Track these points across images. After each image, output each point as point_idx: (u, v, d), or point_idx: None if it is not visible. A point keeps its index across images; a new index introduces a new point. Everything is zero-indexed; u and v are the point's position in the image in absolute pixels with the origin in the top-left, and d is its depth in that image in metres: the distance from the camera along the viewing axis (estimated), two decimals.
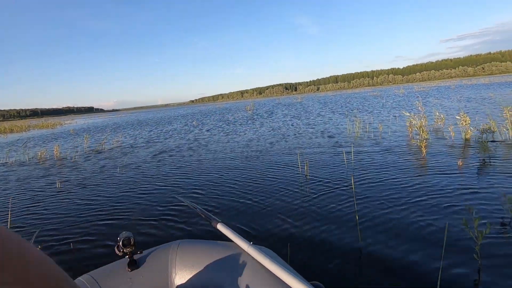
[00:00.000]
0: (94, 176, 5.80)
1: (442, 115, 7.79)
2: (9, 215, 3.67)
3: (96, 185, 5.07)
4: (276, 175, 4.60)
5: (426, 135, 6.04)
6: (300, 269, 1.17)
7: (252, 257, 1.18)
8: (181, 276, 1.25)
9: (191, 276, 1.23)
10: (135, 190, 4.55)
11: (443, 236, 2.17)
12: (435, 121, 7.82)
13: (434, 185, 3.52)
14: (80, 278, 1.15)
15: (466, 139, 5.79)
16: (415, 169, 4.29)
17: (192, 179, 4.90)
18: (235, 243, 1.29)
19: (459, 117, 6.56)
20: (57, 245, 2.86)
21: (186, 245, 1.34)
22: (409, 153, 5.27)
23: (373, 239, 2.42)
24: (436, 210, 2.85)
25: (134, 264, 1.22)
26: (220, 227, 1.38)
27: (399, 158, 4.98)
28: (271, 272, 1.07)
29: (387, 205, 3.06)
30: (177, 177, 5.13)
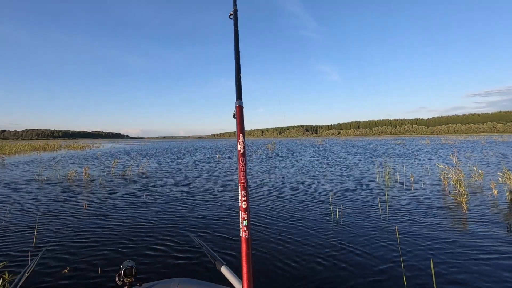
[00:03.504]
0: (118, 201, 5.86)
1: (480, 171, 7.40)
2: (35, 232, 3.71)
3: (118, 210, 5.09)
4: (306, 219, 4.42)
5: (464, 190, 5.70)
6: None
7: None
8: None
9: None
10: (151, 220, 4.50)
11: None
12: (472, 176, 7.42)
13: (485, 247, 3.22)
14: None
15: (511, 198, 5.38)
16: (459, 225, 3.98)
17: (217, 212, 4.81)
18: None
19: (501, 174, 6.20)
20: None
21: (186, 284, 1.27)
22: (448, 209, 4.94)
23: None
24: (493, 276, 2.56)
25: None
26: (224, 270, 1.31)
27: (438, 212, 4.67)
28: None
29: (435, 264, 2.80)
30: (198, 211, 5.06)
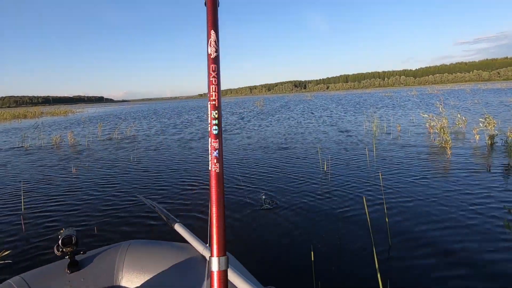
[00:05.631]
0: (107, 163, 5.82)
1: (464, 117, 7.58)
2: (22, 197, 3.68)
3: (108, 172, 5.07)
4: (297, 170, 4.51)
5: (447, 136, 5.86)
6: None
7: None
8: (129, 279, 1.14)
9: (139, 279, 1.14)
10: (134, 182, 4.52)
11: (482, 239, 2.06)
12: (456, 123, 7.61)
13: (467, 187, 3.39)
14: (9, 280, 1.04)
15: (491, 143, 5.59)
16: (443, 170, 4.16)
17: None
18: (192, 245, 1.21)
19: (483, 120, 6.35)
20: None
21: (137, 245, 1.25)
22: (433, 154, 5.12)
23: (403, 246, 2.29)
24: (473, 212, 2.72)
25: (75, 266, 1.11)
26: (178, 227, 1.29)
27: (424, 159, 4.84)
28: None
29: (417, 206, 2.95)
30: (198, 165, 5.09)
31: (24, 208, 3.39)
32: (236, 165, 5.05)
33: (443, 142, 5.23)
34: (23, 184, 4.40)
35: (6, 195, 4.01)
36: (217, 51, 0.62)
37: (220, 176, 0.60)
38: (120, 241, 1.30)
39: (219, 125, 0.61)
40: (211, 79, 0.61)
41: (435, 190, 3.33)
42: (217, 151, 0.60)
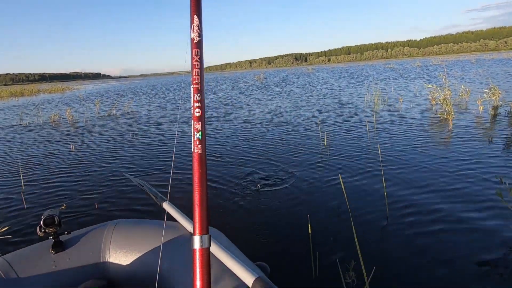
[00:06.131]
0: (105, 141, 5.79)
1: (467, 88, 7.40)
2: (21, 174, 3.68)
3: (107, 150, 5.05)
4: (297, 144, 4.48)
5: (450, 108, 5.76)
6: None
7: None
8: (116, 258, 1.12)
9: (127, 257, 1.12)
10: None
11: (477, 207, 2.05)
12: (459, 95, 7.46)
13: (465, 157, 3.36)
14: None
15: (495, 114, 5.49)
16: (443, 141, 4.12)
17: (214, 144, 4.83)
18: (180, 224, 1.19)
19: (487, 90, 6.21)
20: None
21: (124, 225, 1.22)
22: (435, 126, 5.05)
23: (400, 219, 2.28)
24: (469, 181, 2.71)
25: (59, 246, 1.09)
26: (166, 206, 1.28)
27: (425, 131, 4.78)
28: (213, 255, 0.95)
29: (418, 178, 2.94)
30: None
31: (24, 185, 3.41)
32: (236, 141, 5.02)
33: (445, 113, 5.14)
34: (22, 161, 4.40)
35: (6, 172, 4.02)
36: (200, 35, 0.64)
37: (202, 157, 0.63)
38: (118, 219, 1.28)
39: (201, 107, 0.64)
40: (194, 63, 0.63)
41: (434, 161, 3.31)
42: (199, 133, 0.63)
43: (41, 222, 1.05)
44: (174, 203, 1.30)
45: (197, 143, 0.63)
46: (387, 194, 2.41)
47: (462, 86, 7.62)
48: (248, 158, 3.96)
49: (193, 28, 0.63)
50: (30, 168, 4.15)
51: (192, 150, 0.63)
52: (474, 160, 3.28)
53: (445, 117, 5.07)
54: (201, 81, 0.63)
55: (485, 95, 6.18)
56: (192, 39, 0.63)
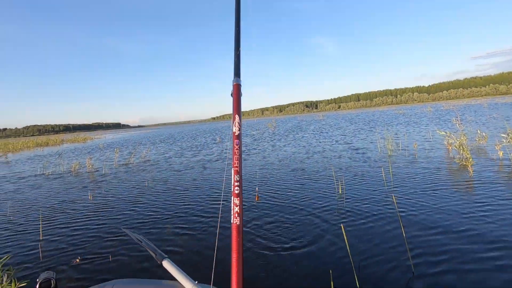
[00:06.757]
0: (122, 190, 5.90)
1: (484, 133, 7.31)
2: (41, 224, 3.74)
3: (123, 200, 5.12)
4: (313, 192, 4.42)
5: (468, 154, 5.64)
6: None
7: None
8: None
9: None
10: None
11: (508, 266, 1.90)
12: (476, 139, 7.35)
13: (491, 208, 3.20)
14: None
15: None
16: (466, 191, 3.96)
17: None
18: (180, 283, 1.16)
19: (505, 135, 6.12)
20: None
21: (122, 285, 1.19)
22: (453, 174, 4.91)
23: (428, 273, 2.16)
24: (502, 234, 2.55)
25: None
26: (165, 264, 1.26)
27: (444, 178, 4.64)
28: None
29: (440, 231, 2.80)
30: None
31: (42, 236, 3.45)
32: (253, 187, 5.01)
33: (463, 159, 5.03)
34: (43, 209, 4.51)
35: (27, 222, 4.10)
36: (239, 129, 0.80)
37: (240, 228, 0.75)
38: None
39: (240, 186, 0.77)
40: (234, 150, 0.79)
41: (462, 214, 3.17)
42: (238, 207, 0.76)
43: (37, 286, 1.05)
44: (176, 260, 1.27)
45: (236, 215, 0.75)
46: (407, 240, 2.29)
47: (478, 131, 7.55)
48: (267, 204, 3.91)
49: (235, 124, 0.80)
50: (49, 216, 4.23)
51: (232, 221, 0.74)
52: (501, 207, 3.12)
53: (464, 163, 4.95)
54: (240, 166, 0.78)
55: (503, 140, 6.07)
56: (233, 132, 0.79)
